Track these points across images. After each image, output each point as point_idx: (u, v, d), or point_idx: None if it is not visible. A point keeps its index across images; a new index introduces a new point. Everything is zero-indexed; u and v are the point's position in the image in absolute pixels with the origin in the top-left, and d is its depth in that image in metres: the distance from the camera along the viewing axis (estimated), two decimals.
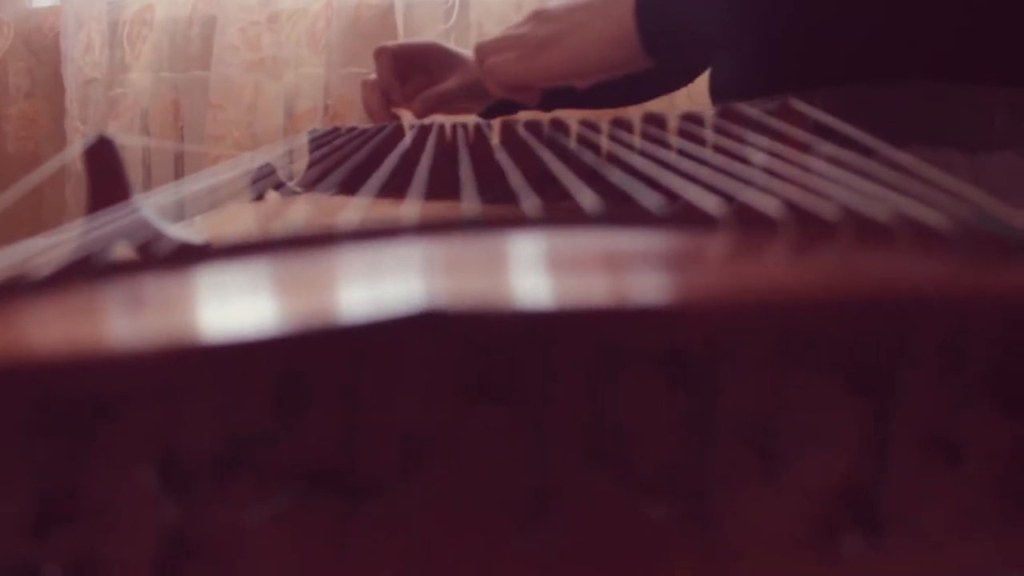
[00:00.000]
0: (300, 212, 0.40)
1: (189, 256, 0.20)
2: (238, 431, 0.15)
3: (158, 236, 0.22)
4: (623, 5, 0.56)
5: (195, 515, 0.15)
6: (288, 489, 0.15)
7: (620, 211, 0.21)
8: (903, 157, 0.26)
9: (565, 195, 0.26)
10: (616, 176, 0.27)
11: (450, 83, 0.76)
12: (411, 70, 0.78)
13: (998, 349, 0.16)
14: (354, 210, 0.34)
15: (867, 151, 0.28)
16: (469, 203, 0.23)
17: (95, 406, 0.15)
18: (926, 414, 0.16)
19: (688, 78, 0.81)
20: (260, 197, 0.49)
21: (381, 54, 0.78)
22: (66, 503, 0.15)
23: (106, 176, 0.27)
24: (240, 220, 0.41)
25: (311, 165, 0.52)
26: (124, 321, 0.17)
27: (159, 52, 1.34)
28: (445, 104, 0.76)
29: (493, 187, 0.28)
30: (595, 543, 0.16)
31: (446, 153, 0.44)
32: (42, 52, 1.42)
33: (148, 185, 1.28)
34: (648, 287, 0.16)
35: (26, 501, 0.15)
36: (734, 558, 0.16)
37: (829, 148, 0.30)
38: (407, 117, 0.81)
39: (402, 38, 1.21)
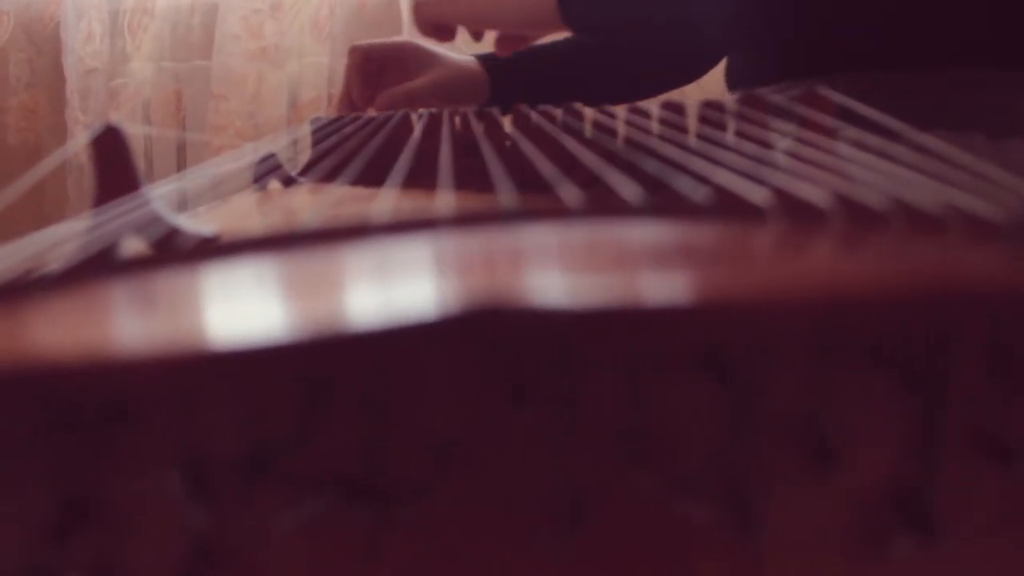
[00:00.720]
0: (320, 205, 0.40)
1: (210, 252, 0.20)
2: (263, 436, 0.14)
3: (173, 231, 0.22)
4: None
5: (221, 523, 0.14)
6: (317, 496, 0.14)
7: (665, 203, 0.20)
8: (931, 141, 0.25)
9: (593, 180, 0.26)
10: (647, 163, 0.27)
11: (420, 81, 0.76)
12: (386, 69, 0.77)
13: None
14: (382, 202, 0.33)
15: (892, 135, 0.28)
16: (505, 194, 0.23)
17: (114, 411, 0.14)
18: (977, 412, 0.16)
19: (687, 77, 0.81)
20: (266, 188, 0.48)
21: (353, 52, 0.78)
22: (88, 510, 0.14)
23: (114, 166, 0.27)
24: (249, 212, 0.40)
25: (319, 155, 0.51)
26: (143, 323, 0.17)
27: (160, 41, 1.33)
28: (412, 102, 0.76)
29: (514, 174, 0.27)
30: (634, 546, 0.15)
31: (459, 141, 0.44)
32: (42, 42, 1.41)
33: (150, 176, 1.28)
34: (690, 284, 0.16)
35: (47, 507, 0.14)
36: (779, 560, 0.16)
37: (853, 132, 0.29)
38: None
39: (406, 26, 1.21)
